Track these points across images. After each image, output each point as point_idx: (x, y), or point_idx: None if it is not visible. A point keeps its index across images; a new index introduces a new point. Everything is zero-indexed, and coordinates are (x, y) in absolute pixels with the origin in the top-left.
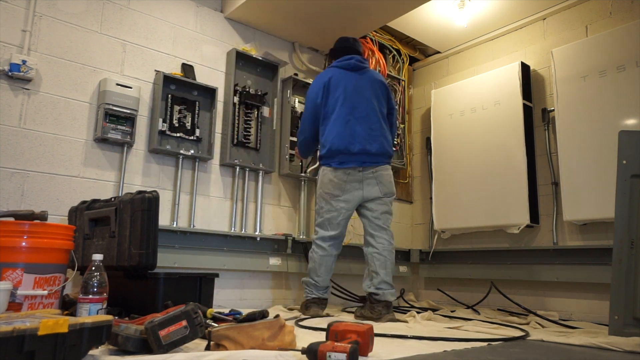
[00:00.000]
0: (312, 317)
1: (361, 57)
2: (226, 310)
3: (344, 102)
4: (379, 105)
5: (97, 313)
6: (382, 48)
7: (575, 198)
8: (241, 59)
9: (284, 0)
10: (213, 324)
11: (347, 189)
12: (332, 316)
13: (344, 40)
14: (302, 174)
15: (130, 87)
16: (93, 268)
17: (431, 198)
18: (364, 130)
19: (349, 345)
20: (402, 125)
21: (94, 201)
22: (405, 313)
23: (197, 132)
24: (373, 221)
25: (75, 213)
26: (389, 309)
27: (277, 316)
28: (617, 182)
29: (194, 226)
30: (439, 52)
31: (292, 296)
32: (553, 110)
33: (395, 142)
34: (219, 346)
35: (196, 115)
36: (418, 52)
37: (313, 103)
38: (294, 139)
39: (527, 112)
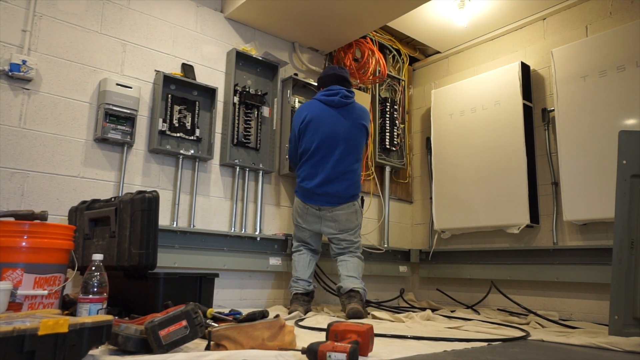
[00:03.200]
0: (290, 312)
1: (346, 91)
2: (226, 310)
3: (319, 145)
4: (355, 142)
5: (97, 313)
6: (382, 48)
7: (575, 198)
8: (241, 59)
9: (284, 0)
10: (213, 324)
11: (308, 220)
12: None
13: (330, 69)
14: None
15: (130, 87)
16: (93, 268)
17: (431, 198)
18: (333, 173)
19: (349, 345)
20: (402, 126)
21: (94, 201)
22: (405, 313)
23: (197, 132)
24: (337, 250)
25: (75, 213)
26: (350, 299)
27: (277, 316)
28: (617, 182)
29: (194, 226)
30: (439, 52)
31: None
32: (553, 110)
33: (396, 142)
34: (219, 346)
35: (196, 115)
36: (418, 52)
37: (293, 133)
38: None
39: (527, 112)
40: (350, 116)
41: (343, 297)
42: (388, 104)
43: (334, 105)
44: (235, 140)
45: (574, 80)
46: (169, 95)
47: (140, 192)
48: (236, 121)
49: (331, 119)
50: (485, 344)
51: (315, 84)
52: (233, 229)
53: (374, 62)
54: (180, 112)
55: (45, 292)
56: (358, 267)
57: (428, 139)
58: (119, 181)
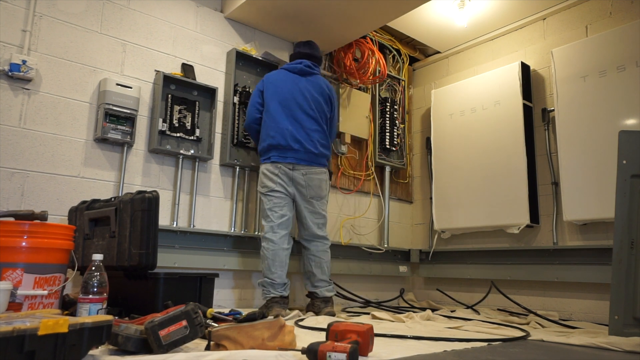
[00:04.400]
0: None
1: (311, 63)
2: (226, 310)
3: (284, 102)
4: (319, 108)
5: (97, 313)
6: (382, 48)
7: (575, 198)
8: (241, 59)
9: (284, 0)
10: (213, 324)
11: (279, 182)
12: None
13: (296, 46)
14: None
15: (130, 87)
16: (93, 268)
17: (431, 198)
18: (301, 130)
19: (349, 345)
20: (402, 126)
21: (94, 201)
22: (406, 313)
23: (197, 132)
24: (310, 231)
25: (75, 213)
26: (327, 303)
27: (277, 316)
28: (617, 182)
29: (194, 226)
30: (439, 52)
31: (292, 296)
32: (553, 110)
33: (396, 142)
34: (219, 346)
35: (196, 115)
36: (418, 52)
37: (253, 97)
38: None
39: (527, 112)
40: (314, 85)
41: (318, 300)
42: (388, 104)
43: (297, 72)
44: (235, 140)
45: (574, 80)
46: (169, 95)
47: (140, 192)
48: (236, 121)
49: (294, 82)
50: (485, 344)
51: None
52: (233, 229)
53: (374, 62)
54: (180, 112)
55: (45, 292)
56: (330, 266)
57: (428, 139)
58: (119, 181)
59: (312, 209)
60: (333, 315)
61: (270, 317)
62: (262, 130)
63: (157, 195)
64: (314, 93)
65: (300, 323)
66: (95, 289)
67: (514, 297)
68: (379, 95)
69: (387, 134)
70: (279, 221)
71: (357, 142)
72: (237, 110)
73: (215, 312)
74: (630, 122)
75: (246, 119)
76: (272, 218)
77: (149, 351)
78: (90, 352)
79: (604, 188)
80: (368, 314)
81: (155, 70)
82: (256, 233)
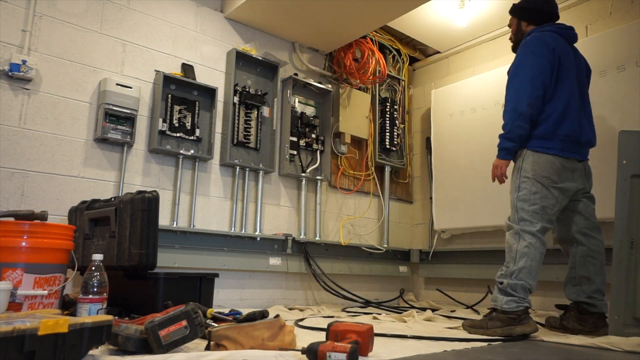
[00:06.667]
0: (530, 333)
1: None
2: (226, 310)
3: (572, 81)
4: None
5: (97, 313)
6: (382, 48)
7: None
8: (241, 59)
9: (284, 0)
10: (213, 324)
11: (564, 177)
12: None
13: (542, 1)
14: (302, 174)
15: (130, 87)
16: (93, 268)
17: (431, 198)
18: (586, 118)
19: (349, 345)
20: (402, 126)
21: (94, 201)
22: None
23: (197, 132)
24: (590, 219)
25: (75, 213)
26: (604, 322)
27: (277, 316)
28: (617, 182)
29: (194, 226)
30: (439, 52)
31: (292, 296)
32: None
33: (396, 142)
34: (219, 346)
35: (196, 115)
36: (418, 52)
37: (540, 65)
38: (294, 138)
39: None
40: (582, 56)
41: (593, 317)
42: (388, 104)
43: (570, 42)
44: (235, 140)
45: None
46: (169, 95)
47: (140, 192)
48: (236, 121)
49: (576, 57)
50: (485, 344)
51: (316, 83)
52: (233, 229)
53: (374, 62)
54: (180, 112)
55: (45, 292)
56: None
57: (428, 139)
58: (119, 181)
59: (592, 201)
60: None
61: (270, 317)
62: (553, 112)
63: (157, 195)
64: (586, 70)
65: (300, 323)
66: (95, 289)
67: None
68: (379, 95)
69: (387, 134)
70: (543, 235)
71: (357, 142)
72: (237, 110)
73: (215, 312)
74: (630, 122)
75: (524, 103)
76: (542, 218)
77: (149, 351)
78: (90, 352)
79: (604, 188)
80: (368, 314)
81: (155, 70)
82: (256, 233)
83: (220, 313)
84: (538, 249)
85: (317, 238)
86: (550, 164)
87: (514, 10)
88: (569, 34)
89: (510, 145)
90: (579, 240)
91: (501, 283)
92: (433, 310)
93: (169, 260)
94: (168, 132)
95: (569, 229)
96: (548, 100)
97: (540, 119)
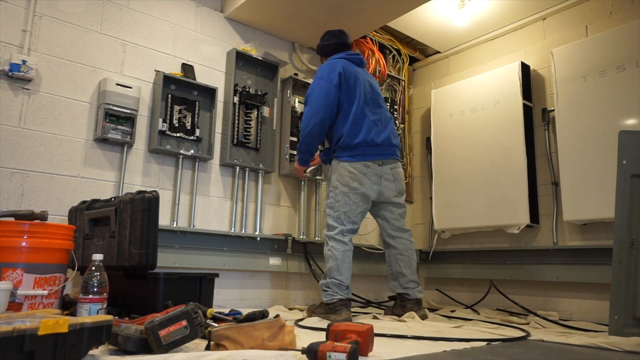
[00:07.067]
0: (343, 320)
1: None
2: (226, 310)
3: (361, 97)
4: (382, 98)
5: (97, 313)
6: (382, 48)
7: (575, 198)
8: (241, 59)
9: (284, 0)
10: (213, 324)
11: (366, 182)
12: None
13: (341, 35)
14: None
15: (130, 87)
16: (93, 268)
17: (431, 198)
18: (383, 124)
19: (349, 345)
20: (402, 125)
21: (94, 201)
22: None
23: (197, 132)
24: (395, 226)
25: (75, 213)
26: (419, 305)
27: (277, 316)
28: (617, 182)
29: (194, 226)
30: (439, 52)
31: (292, 296)
32: (553, 110)
33: None
34: (219, 346)
35: (196, 115)
36: (418, 52)
37: (327, 88)
38: (294, 139)
39: (527, 112)
40: (371, 76)
41: (409, 303)
42: (388, 104)
43: (358, 65)
44: (235, 140)
45: (574, 80)
46: (169, 95)
47: (140, 192)
48: (236, 121)
49: (362, 74)
50: (485, 344)
51: None
52: (233, 229)
53: (374, 62)
54: (180, 112)
55: (45, 292)
56: (415, 264)
57: (428, 139)
58: (119, 181)
59: (402, 205)
60: (426, 318)
61: (270, 317)
62: (340, 122)
63: (157, 195)
64: (378, 87)
65: (300, 323)
66: (95, 289)
67: (514, 297)
68: None
69: None
70: (349, 239)
71: None
72: (237, 110)
73: (215, 312)
74: (630, 122)
75: (312, 122)
76: (347, 221)
77: (149, 351)
78: (90, 352)
79: (604, 188)
80: (368, 313)
81: (155, 70)
82: (256, 233)
83: (220, 313)
84: (339, 249)
85: (317, 238)
86: (350, 172)
87: (318, 51)
88: (357, 59)
89: (303, 156)
90: (389, 243)
91: (323, 282)
92: (433, 310)
93: (169, 260)
94: (168, 132)
95: (382, 235)
96: (341, 115)
97: (338, 132)
